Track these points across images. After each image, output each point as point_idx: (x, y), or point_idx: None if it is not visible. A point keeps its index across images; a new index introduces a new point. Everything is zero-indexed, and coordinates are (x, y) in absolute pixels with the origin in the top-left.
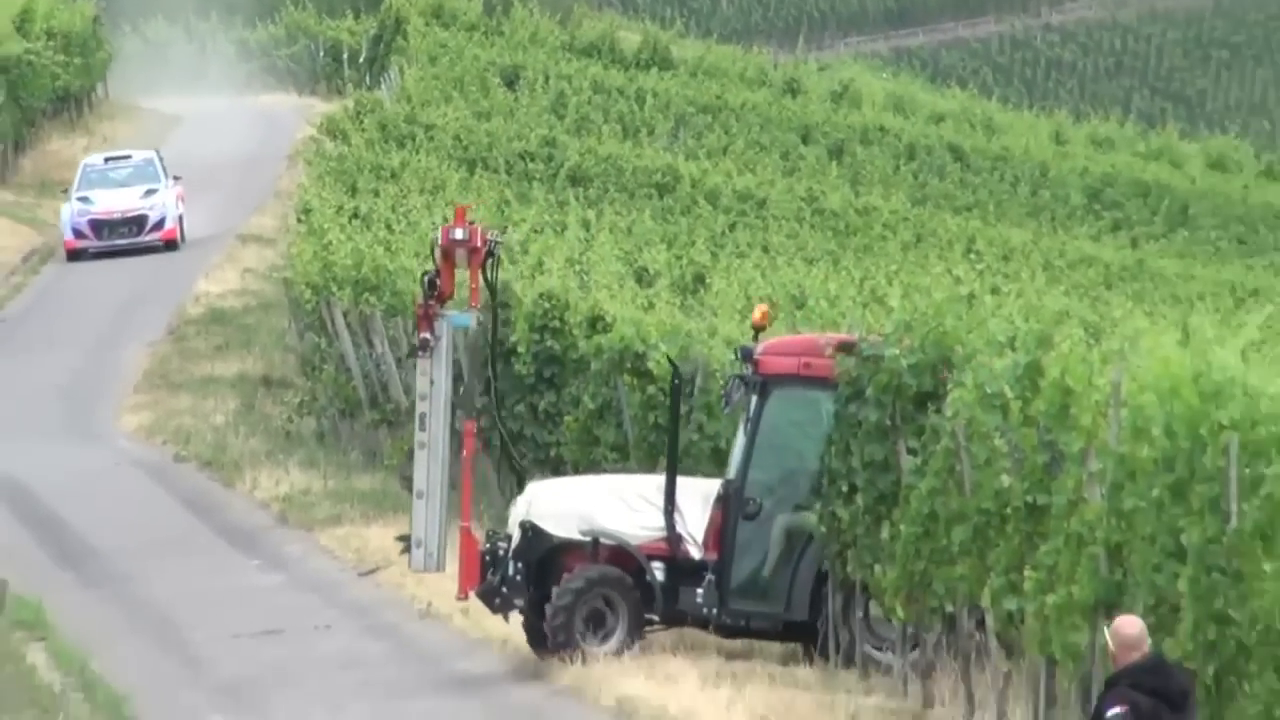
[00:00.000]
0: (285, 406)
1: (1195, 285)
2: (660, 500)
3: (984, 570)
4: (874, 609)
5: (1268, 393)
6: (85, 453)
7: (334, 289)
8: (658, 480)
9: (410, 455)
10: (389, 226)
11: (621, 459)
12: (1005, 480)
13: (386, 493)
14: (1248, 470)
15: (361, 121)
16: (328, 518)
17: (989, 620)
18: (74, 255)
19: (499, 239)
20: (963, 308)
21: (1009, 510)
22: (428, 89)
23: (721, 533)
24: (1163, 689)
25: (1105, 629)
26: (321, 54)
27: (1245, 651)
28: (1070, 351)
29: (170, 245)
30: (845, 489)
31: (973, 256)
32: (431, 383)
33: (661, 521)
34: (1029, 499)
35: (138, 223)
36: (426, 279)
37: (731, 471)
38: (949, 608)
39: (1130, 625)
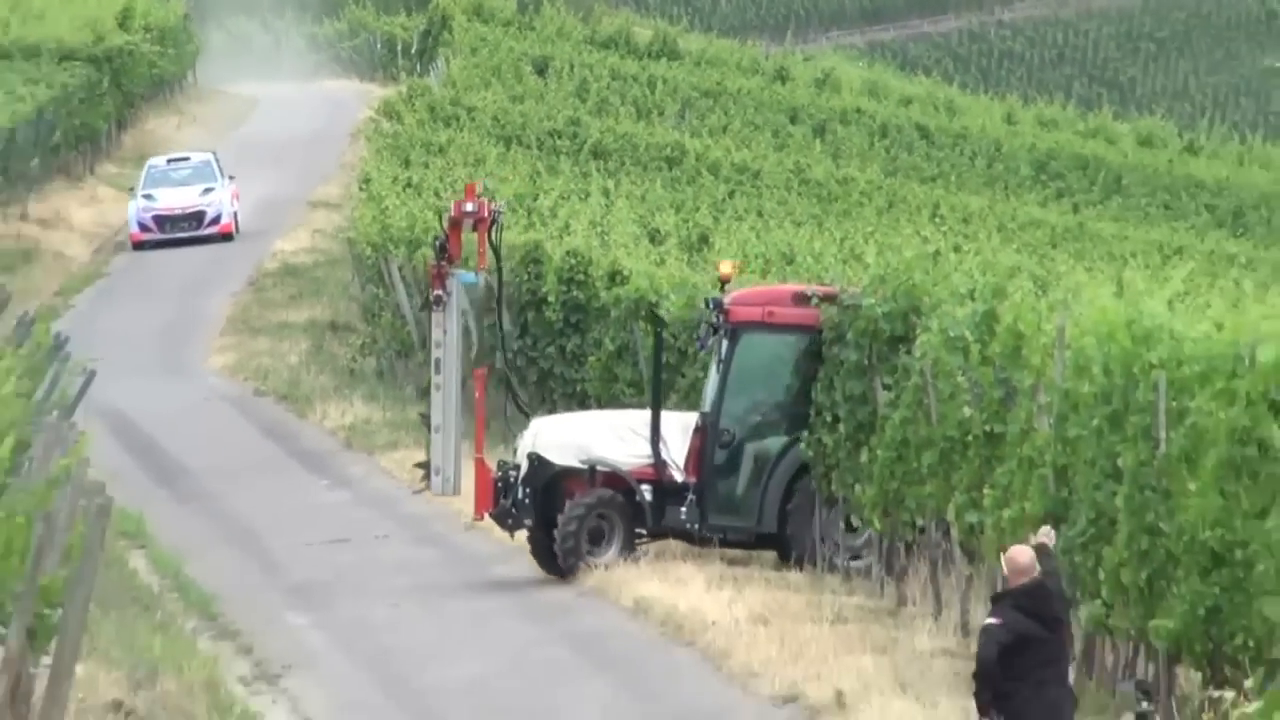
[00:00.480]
0: (349, 348)
1: (1128, 245)
2: (647, 432)
3: (949, 489)
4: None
5: (1190, 336)
6: (179, 388)
7: (390, 247)
8: (644, 414)
9: (424, 394)
10: (437, 193)
11: (637, 394)
12: (966, 412)
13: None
14: (1174, 403)
15: (413, 104)
16: (386, 443)
17: (953, 531)
18: (139, 246)
19: (501, 210)
20: (929, 264)
21: (970, 437)
22: (470, 76)
23: (700, 458)
24: (1037, 610)
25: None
26: (379, 46)
27: (1173, 559)
28: (1021, 301)
29: (226, 238)
30: (829, 419)
31: (937, 220)
32: (444, 332)
33: (649, 450)
34: (987, 428)
35: (197, 218)
36: (437, 243)
37: (707, 405)
38: (919, 520)
39: (1022, 554)
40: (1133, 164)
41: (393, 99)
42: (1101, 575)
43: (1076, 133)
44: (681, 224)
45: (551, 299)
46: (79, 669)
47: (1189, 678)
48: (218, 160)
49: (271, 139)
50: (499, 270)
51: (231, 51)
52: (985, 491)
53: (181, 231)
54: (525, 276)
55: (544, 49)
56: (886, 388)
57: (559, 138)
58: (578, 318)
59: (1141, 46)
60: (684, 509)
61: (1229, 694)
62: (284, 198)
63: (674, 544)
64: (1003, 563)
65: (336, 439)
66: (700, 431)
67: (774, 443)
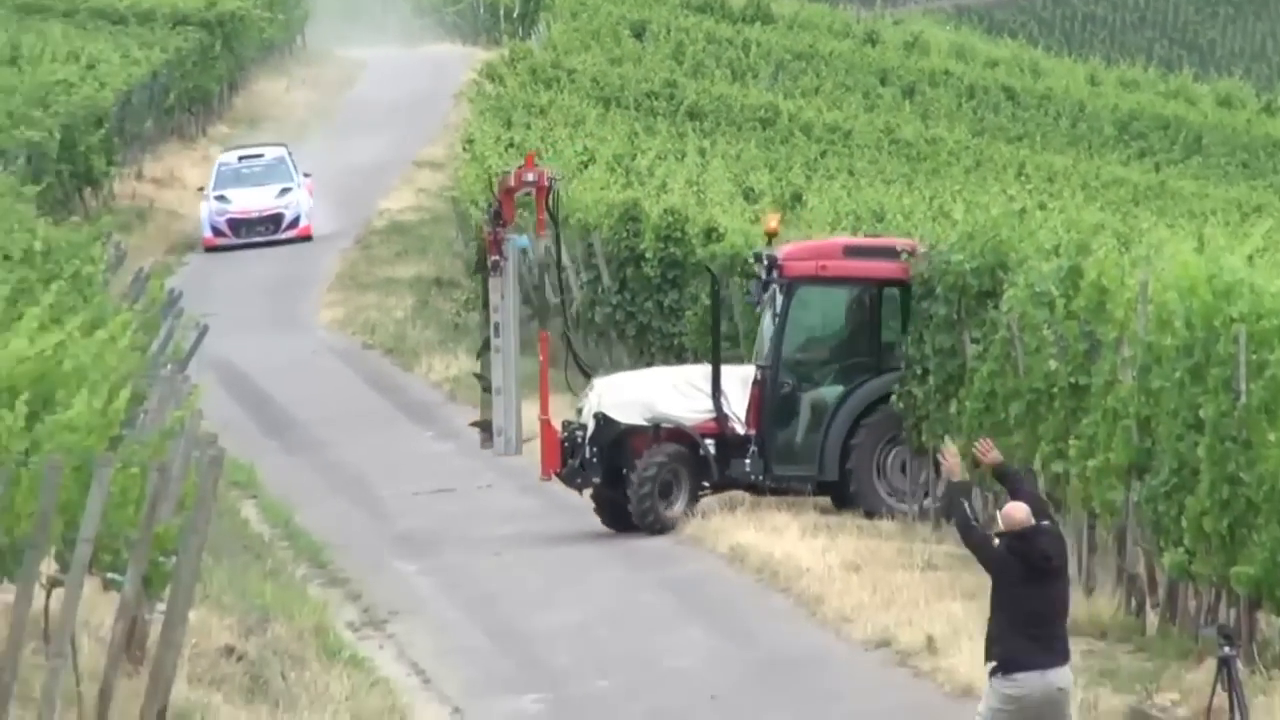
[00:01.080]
0: (454, 303)
1: (1208, 202)
2: (707, 386)
3: (1035, 439)
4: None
5: (1270, 290)
6: (289, 341)
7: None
8: (704, 369)
9: (478, 356)
10: (539, 153)
11: (732, 346)
12: (1052, 364)
13: (535, 375)
14: (1254, 355)
15: (515, 67)
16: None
17: (1040, 481)
18: (211, 250)
19: (557, 178)
20: (1015, 221)
21: (1056, 389)
22: (570, 39)
23: (760, 410)
24: (1025, 551)
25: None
26: (482, 10)
27: (1254, 507)
28: (1105, 257)
29: (305, 240)
30: (919, 372)
31: (1023, 178)
32: (502, 296)
33: (710, 405)
34: (1072, 380)
35: (274, 221)
36: (491, 210)
37: (764, 358)
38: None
39: (1017, 510)
40: (1212, 124)
41: (495, 62)
42: (1184, 524)
43: (1158, 94)
44: (775, 183)
45: (649, 255)
46: (192, 615)
47: (1269, 623)
48: (291, 156)
49: (379, 101)
50: (556, 236)
51: (339, 16)
52: (1071, 442)
53: (258, 235)
54: (624, 234)
55: (641, 13)
56: (975, 341)
57: (656, 99)
58: (675, 273)
59: (1220, 10)
60: (747, 460)
61: None
62: (390, 158)
63: (770, 496)
64: (999, 518)
65: (441, 391)
66: (759, 384)
67: (830, 392)
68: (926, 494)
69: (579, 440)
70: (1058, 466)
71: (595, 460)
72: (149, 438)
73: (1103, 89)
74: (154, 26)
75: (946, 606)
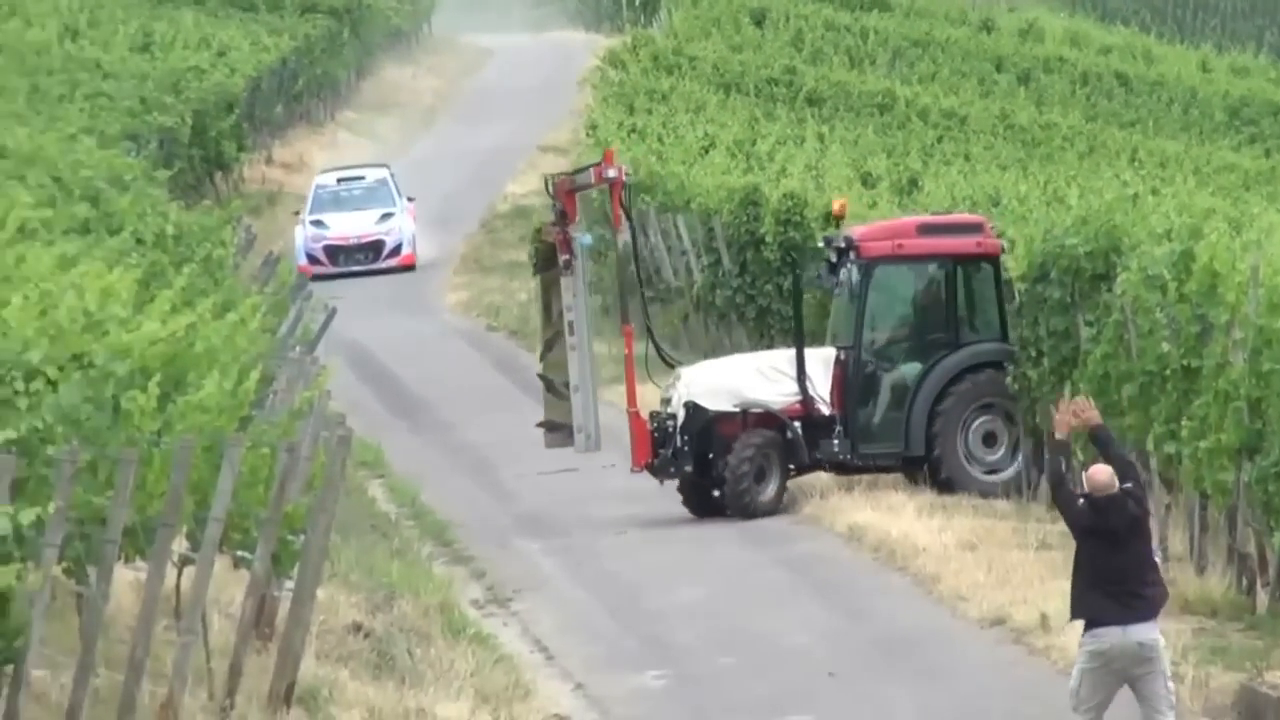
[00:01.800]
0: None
1: None
2: (791, 370)
3: (1148, 420)
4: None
5: None
6: (416, 324)
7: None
8: (785, 353)
9: (540, 357)
10: (660, 139)
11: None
12: (1165, 347)
13: (652, 359)
14: None
15: (637, 53)
16: (611, 377)
17: (1153, 462)
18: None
19: (630, 175)
20: (1129, 206)
21: (1168, 371)
22: (691, 27)
23: (844, 390)
24: (1105, 513)
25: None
26: None
27: None
28: (1217, 241)
29: (407, 269)
30: (1033, 354)
31: (1136, 164)
32: (574, 295)
33: (795, 388)
34: (1184, 362)
35: (374, 248)
36: (556, 210)
37: (844, 338)
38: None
39: (1100, 473)
40: None
41: (618, 49)
42: None
43: (1269, 80)
44: (893, 168)
45: (769, 239)
46: (320, 592)
47: None
48: (394, 178)
49: (503, 87)
50: (633, 231)
51: (465, 4)
52: (1183, 423)
53: (356, 264)
54: (744, 218)
55: (761, 1)
56: (1088, 324)
57: (776, 85)
58: (793, 257)
59: None
60: (835, 441)
61: None
62: (515, 143)
63: (888, 476)
64: (1084, 479)
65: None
66: (841, 365)
67: (911, 369)
68: (994, 470)
69: (669, 430)
70: (1170, 448)
71: (686, 449)
72: (278, 418)
73: (1214, 75)
74: (283, 14)
75: (1060, 585)
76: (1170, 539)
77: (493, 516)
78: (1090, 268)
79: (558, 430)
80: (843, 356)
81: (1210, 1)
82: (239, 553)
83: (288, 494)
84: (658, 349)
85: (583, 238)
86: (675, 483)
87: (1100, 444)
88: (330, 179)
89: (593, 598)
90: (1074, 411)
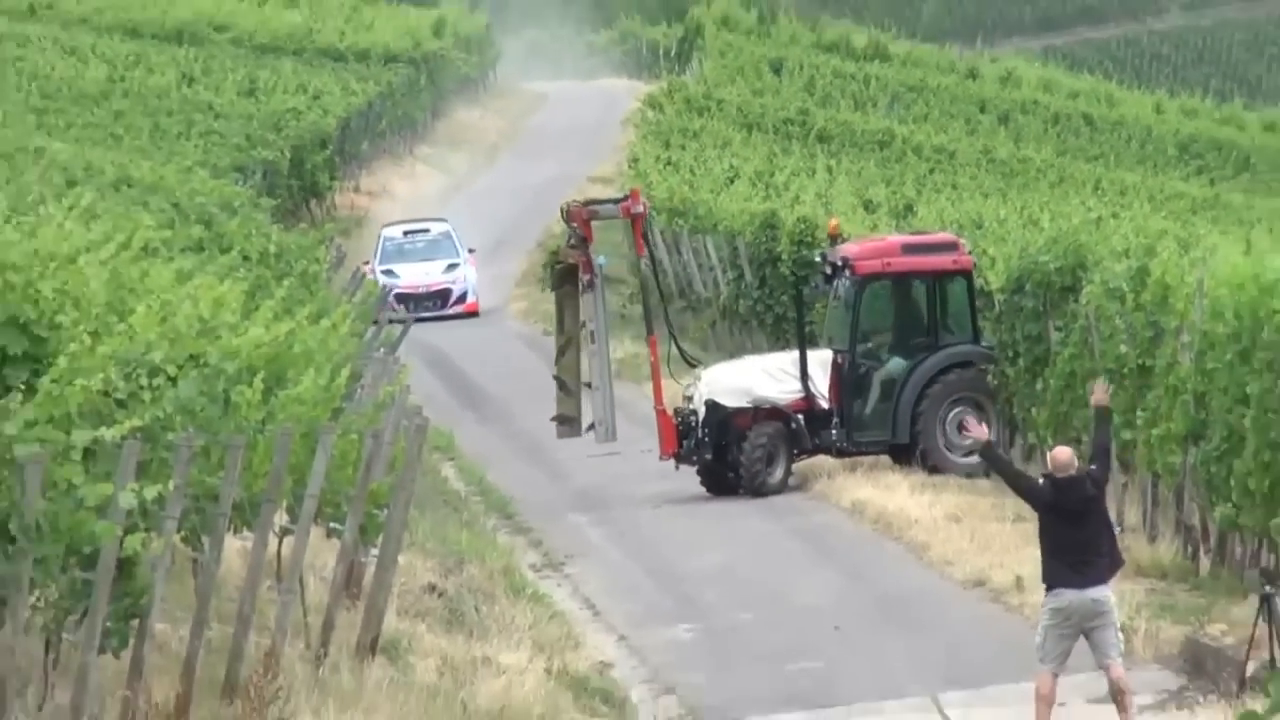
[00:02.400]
0: (620, 296)
1: (1255, 213)
2: (795, 370)
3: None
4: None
5: None
6: (484, 330)
7: (653, 214)
8: (790, 355)
9: (556, 360)
10: (691, 171)
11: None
12: (1123, 348)
13: (674, 359)
14: None
15: (673, 97)
16: (643, 376)
17: (1111, 446)
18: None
19: (649, 209)
20: (1093, 228)
21: (1126, 370)
22: (719, 74)
23: (840, 387)
24: (1064, 491)
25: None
26: (645, 50)
27: None
28: (1168, 258)
29: (471, 316)
30: (1011, 355)
31: (1099, 192)
32: (595, 309)
33: (798, 386)
34: (1140, 362)
35: (442, 296)
36: (576, 236)
37: (839, 342)
38: (1083, 437)
39: (1062, 454)
40: (1259, 146)
41: (656, 93)
42: (1232, 483)
43: (1213, 120)
44: (891, 195)
45: (785, 256)
46: (400, 558)
47: None
48: (455, 231)
49: (558, 126)
50: (652, 256)
51: (524, 55)
52: (1138, 414)
53: (426, 310)
54: (763, 239)
55: (779, 52)
56: (1058, 329)
57: (791, 125)
58: (806, 272)
59: (1266, 49)
60: (833, 430)
61: None
62: (567, 174)
63: (883, 458)
64: (1049, 458)
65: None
66: (837, 365)
67: (897, 368)
68: (970, 453)
69: (692, 424)
70: (1127, 435)
71: (707, 440)
72: (365, 409)
73: (1166, 116)
74: (369, 64)
75: (1032, 552)
76: (1126, 512)
77: (547, 493)
78: (1060, 281)
79: (567, 423)
80: (839, 358)
81: (1163, 53)
82: (331, 524)
83: (373, 474)
84: (680, 351)
85: (599, 259)
86: (693, 467)
87: (1099, 421)
88: (396, 231)
89: (633, 562)
90: (1097, 390)
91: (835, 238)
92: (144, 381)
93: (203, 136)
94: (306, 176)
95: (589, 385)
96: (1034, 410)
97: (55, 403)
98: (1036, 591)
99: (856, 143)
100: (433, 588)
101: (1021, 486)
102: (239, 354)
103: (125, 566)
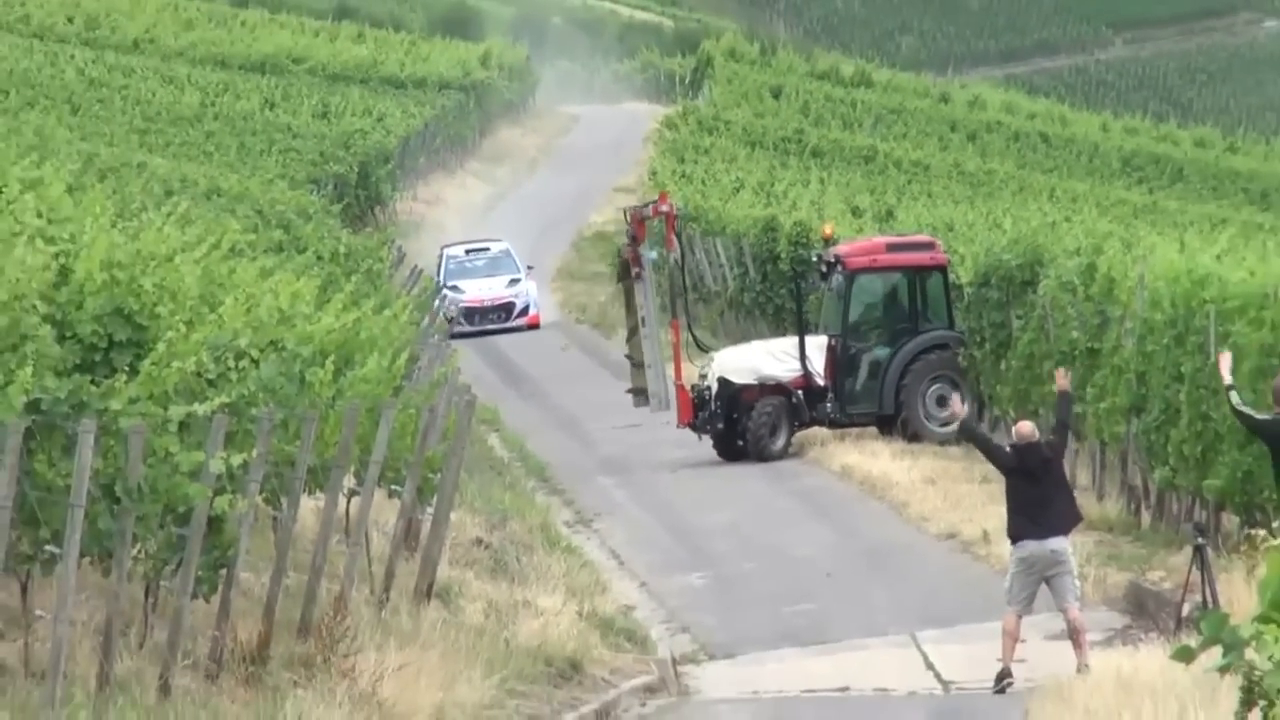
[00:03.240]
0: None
1: (1187, 217)
2: (795, 352)
3: None
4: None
5: (1232, 280)
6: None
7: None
8: (790, 340)
9: (627, 340)
10: (703, 182)
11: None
12: (1075, 334)
13: (687, 343)
14: (1221, 327)
15: (687, 119)
16: (667, 356)
17: (1070, 421)
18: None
19: (679, 209)
20: (1048, 230)
21: (1077, 352)
22: (727, 99)
23: (834, 367)
24: (1025, 456)
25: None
26: (662, 78)
27: (1219, 438)
28: (1113, 256)
29: (533, 329)
30: (978, 340)
31: (1054, 199)
32: (645, 297)
33: (798, 366)
34: (1089, 345)
35: (505, 309)
36: (630, 234)
37: (834, 329)
38: (1040, 410)
39: (1024, 425)
40: (1190, 159)
41: (673, 115)
42: (1169, 449)
43: (1151, 138)
44: (875, 203)
45: (783, 255)
46: (452, 516)
47: (1231, 521)
48: (514, 250)
49: (588, 143)
50: (682, 252)
51: (560, 82)
52: (1087, 390)
53: (491, 323)
54: (765, 240)
55: (778, 80)
56: (1018, 317)
57: (789, 142)
58: (802, 268)
59: (1197, 76)
60: (828, 404)
61: (1260, 532)
62: (595, 185)
63: (868, 428)
64: (1013, 430)
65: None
66: (831, 349)
67: (883, 351)
68: (946, 424)
69: (706, 398)
70: (1078, 408)
71: (719, 411)
72: (422, 388)
73: (1111, 134)
74: (426, 90)
75: (998, 509)
76: (1078, 475)
77: (579, 460)
78: (1020, 276)
79: (641, 394)
80: (833, 342)
81: (1108, 80)
82: (392, 487)
83: (428, 443)
84: (694, 338)
85: (649, 254)
86: (708, 435)
87: (1061, 402)
88: (458, 250)
89: (653, 519)
90: (1060, 376)
91: (829, 240)
92: (231, 364)
93: (282, 153)
94: (371, 187)
95: (641, 363)
96: (998, 387)
97: (155, 382)
98: (1002, 543)
99: (845, 158)
100: (480, 541)
101: (992, 453)
102: (313, 340)
103: (214, 523)
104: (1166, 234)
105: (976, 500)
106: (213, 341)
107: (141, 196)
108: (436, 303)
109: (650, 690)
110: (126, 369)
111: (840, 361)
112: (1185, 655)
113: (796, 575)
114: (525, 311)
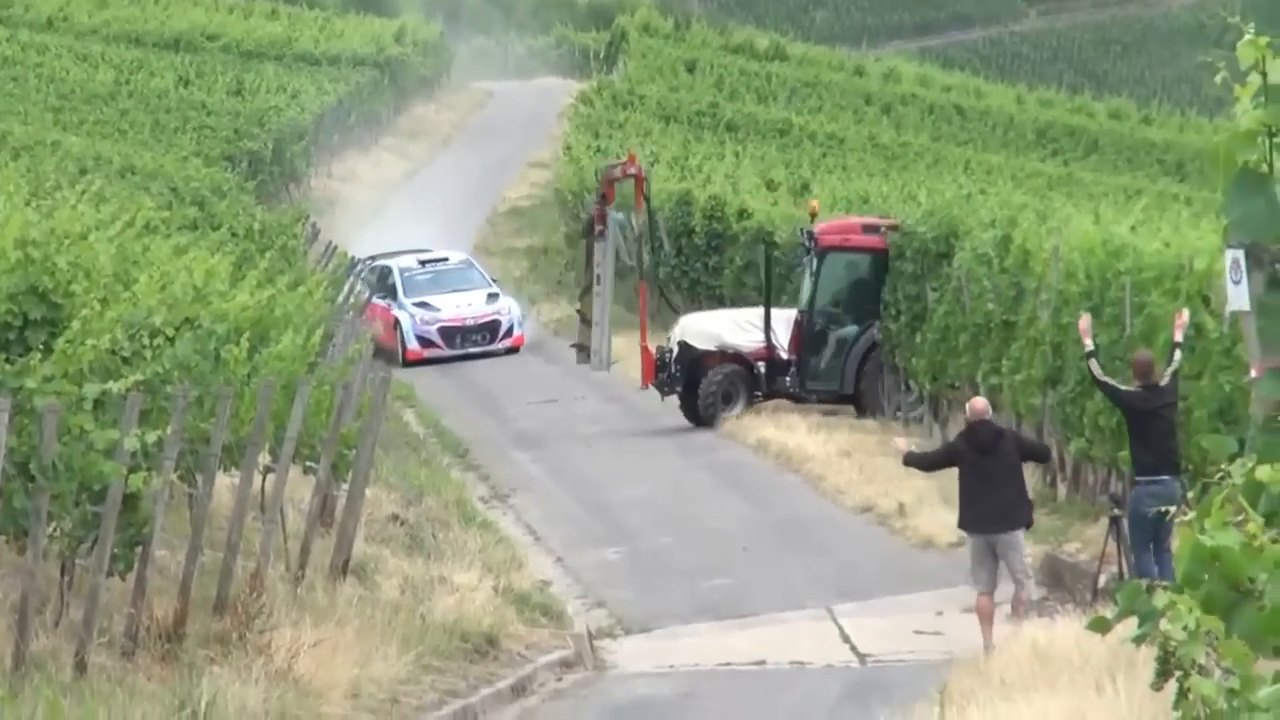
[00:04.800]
0: (556, 266)
1: (1102, 188)
2: (760, 323)
3: (977, 360)
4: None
5: (1147, 251)
6: None
7: (585, 194)
8: (757, 311)
9: (580, 297)
10: (617, 156)
11: (760, 296)
12: (990, 306)
13: (617, 318)
14: (1136, 298)
15: (601, 94)
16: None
17: (981, 390)
18: (412, 364)
19: (643, 171)
20: (963, 203)
21: (992, 324)
22: (641, 74)
23: (799, 342)
24: (972, 439)
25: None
26: (577, 53)
27: None
28: (1028, 228)
29: (514, 351)
30: (894, 312)
31: (969, 172)
32: (603, 255)
33: (762, 337)
34: (1004, 317)
35: (490, 330)
36: (598, 193)
37: (803, 304)
38: (956, 383)
39: (978, 402)
40: (1105, 131)
41: (587, 90)
42: (1085, 421)
43: (1066, 109)
44: (789, 176)
45: (698, 229)
46: (368, 492)
47: None
48: (476, 261)
49: (502, 118)
50: (650, 212)
51: (474, 58)
52: (1003, 362)
53: (474, 345)
54: (679, 214)
55: (692, 54)
56: (934, 290)
57: (703, 116)
58: (717, 242)
59: (1111, 48)
60: (789, 378)
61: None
62: (510, 160)
63: (784, 402)
64: (967, 406)
65: (548, 329)
66: (798, 324)
67: (849, 330)
68: (899, 407)
69: (667, 360)
70: (994, 380)
71: (678, 374)
72: (336, 364)
73: (1026, 107)
74: (340, 67)
75: (913, 483)
76: None
77: (494, 435)
78: (935, 248)
79: (584, 351)
80: (800, 317)
81: (1023, 52)
82: (307, 463)
83: (343, 420)
84: (667, 299)
85: (616, 215)
86: (647, 405)
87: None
88: (409, 261)
89: (568, 494)
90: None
91: (814, 216)
92: (146, 341)
93: (196, 130)
94: (286, 164)
95: (590, 321)
96: (913, 360)
97: (69, 360)
98: (917, 516)
99: (760, 131)
100: (396, 517)
101: (943, 458)
102: (228, 317)
103: (129, 501)
104: (1081, 206)
105: (892, 474)
106: (127, 319)
107: (55, 175)
108: (407, 322)
109: (566, 665)
110: (41, 347)
111: (806, 337)
112: (1101, 626)
113: (713, 549)
114: (510, 332)
